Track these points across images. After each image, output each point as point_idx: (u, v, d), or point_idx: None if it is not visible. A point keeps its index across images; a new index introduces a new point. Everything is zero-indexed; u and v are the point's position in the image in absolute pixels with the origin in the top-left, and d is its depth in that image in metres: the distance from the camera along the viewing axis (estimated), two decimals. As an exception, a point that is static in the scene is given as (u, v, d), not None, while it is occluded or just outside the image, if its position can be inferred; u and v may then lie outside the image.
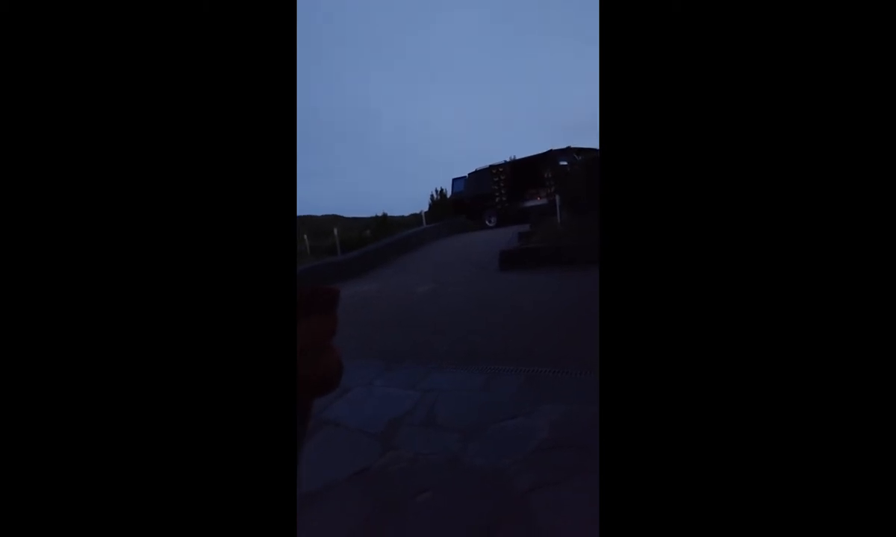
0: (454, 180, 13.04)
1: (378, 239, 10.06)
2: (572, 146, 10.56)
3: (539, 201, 10.67)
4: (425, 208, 14.25)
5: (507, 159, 12.01)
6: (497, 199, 11.81)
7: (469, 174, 12.62)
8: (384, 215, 14.63)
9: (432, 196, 15.33)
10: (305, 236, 9.82)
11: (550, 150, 10.85)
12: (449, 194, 13.61)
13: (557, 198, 8.21)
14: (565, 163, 10.09)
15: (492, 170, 12.01)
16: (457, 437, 2.22)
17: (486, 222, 11.77)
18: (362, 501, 1.84)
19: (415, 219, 13.84)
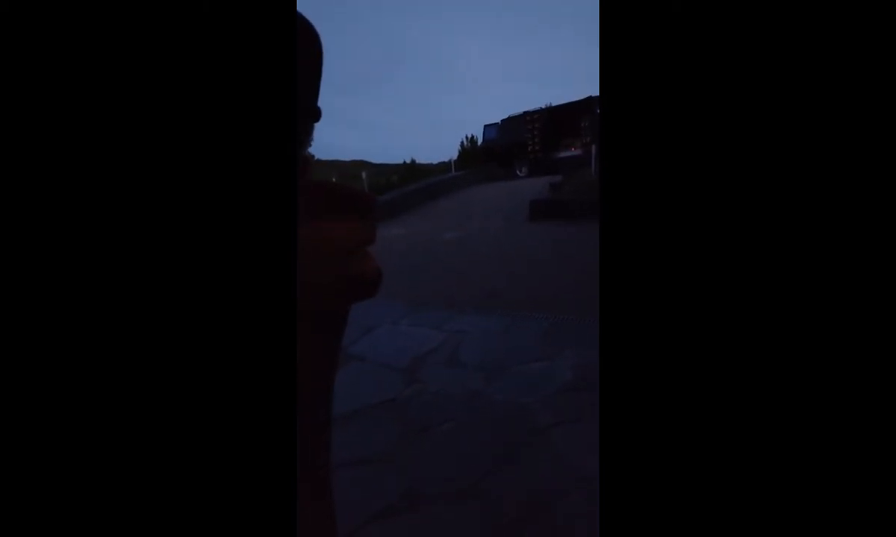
0: (486, 127, 12.62)
1: (406, 185, 9.99)
2: None
3: (574, 152, 10.25)
4: (455, 156, 13.97)
5: (544, 106, 11.49)
6: (530, 148, 11.42)
7: (502, 121, 12.18)
8: (412, 162, 14.46)
9: (462, 143, 14.97)
10: (333, 180, 9.85)
11: (590, 97, 10.26)
12: (480, 142, 13.24)
13: (594, 148, 7.87)
14: (604, 111, 9.54)
15: (526, 118, 11.53)
16: (480, 376, 2.28)
17: (517, 172, 11.46)
18: (388, 427, 1.94)
19: (444, 166, 13.62)
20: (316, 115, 0.48)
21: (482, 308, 3.21)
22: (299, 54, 0.44)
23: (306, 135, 0.48)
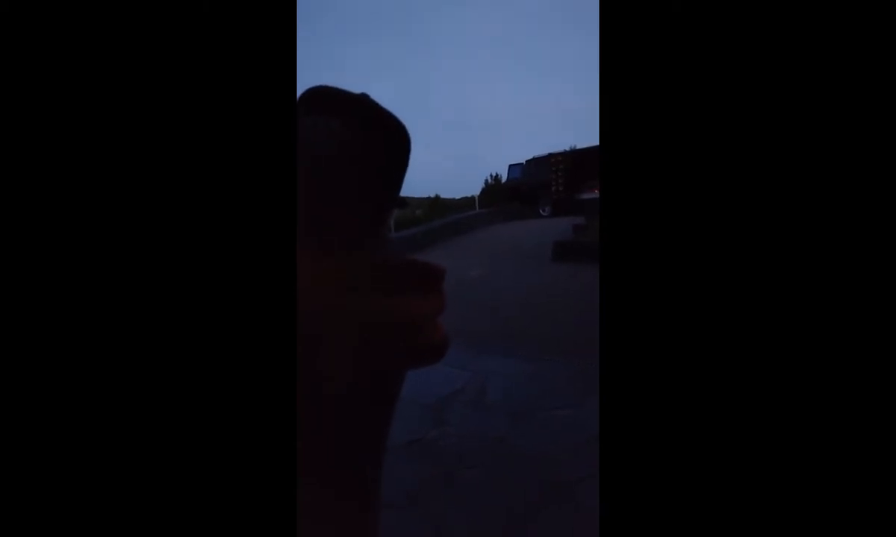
0: (511, 166, 12.85)
1: (430, 220, 10.16)
2: None
3: (597, 194, 10.28)
4: (478, 192, 14.19)
5: (569, 148, 11.68)
6: (554, 189, 11.53)
7: (527, 161, 12.40)
8: (437, 197, 14.73)
9: (487, 181, 15.22)
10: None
11: (615, 141, 10.33)
12: (504, 180, 13.46)
13: (618, 191, 7.85)
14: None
15: (551, 159, 11.71)
16: (506, 420, 2.27)
17: (541, 211, 11.55)
18: (414, 469, 1.94)
19: (467, 202, 13.83)
20: (402, 203, 0.53)
21: (508, 349, 3.20)
22: (391, 150, 0.50)
23: (388, 220, 0.54)
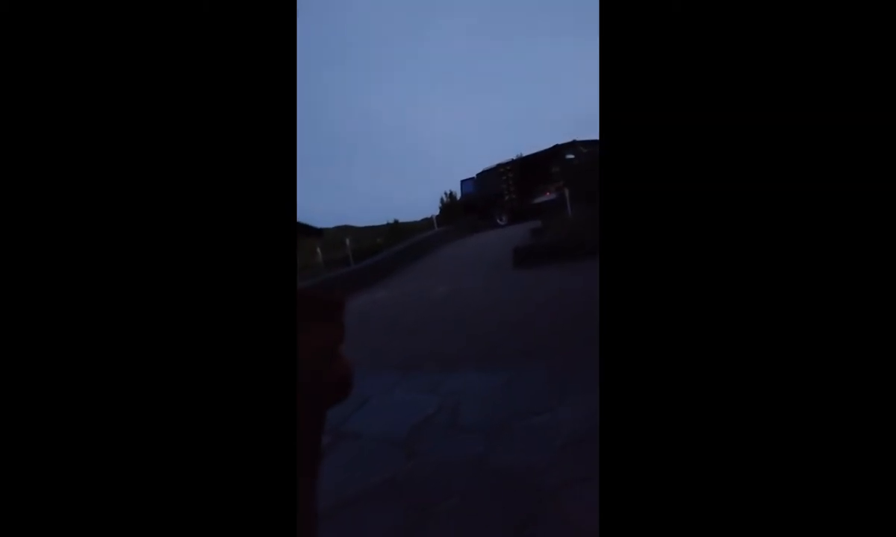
0: (463, 182, 13.05)
1: (391, 246, 10.10)
2: (577, 140, 10.50)
3: (549, 197, 10.57)
4: (436, 212, 14.27)
5: (514, 157, 11.97)
6: (507, 198, 11.77)
7: (477, 175, 12.62)
8: (395, 222, 14.70)
9: (442, 199, 15.34)
10: (319, 249, 9.88)
11: (556, 146, 10.77)
12: (459, 196, 13.62)
13: (567, 192, 8.14)
14: (572, 156, 10.06)
15: (500, 170, 11.97)
16: (482, 438, 2.19)
17: (498, 221, 11.73)
18: (393, 509, 1.82)
19: (426, 223, 13.86)
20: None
21: (478, 364, 3.14)
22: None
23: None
